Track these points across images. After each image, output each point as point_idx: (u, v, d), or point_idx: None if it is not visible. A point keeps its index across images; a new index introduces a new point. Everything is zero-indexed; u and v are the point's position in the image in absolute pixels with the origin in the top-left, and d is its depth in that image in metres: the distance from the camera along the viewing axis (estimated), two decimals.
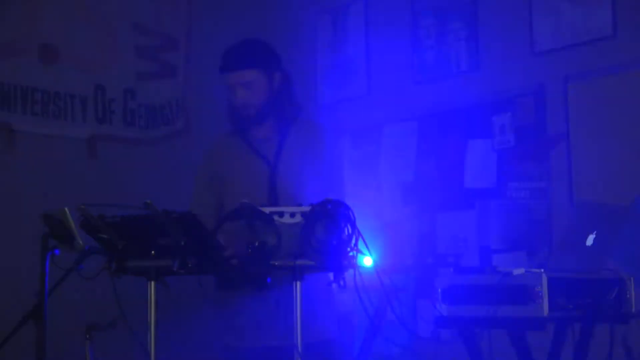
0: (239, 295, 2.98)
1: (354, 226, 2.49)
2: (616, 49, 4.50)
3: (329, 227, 2.45)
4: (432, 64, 5.37)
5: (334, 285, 2.56)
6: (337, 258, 2.48)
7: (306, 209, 2.47)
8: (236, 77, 3.10)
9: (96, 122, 5.34)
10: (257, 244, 2.46)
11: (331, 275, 2.58)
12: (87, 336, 3.78)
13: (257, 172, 3.10)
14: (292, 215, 2.47)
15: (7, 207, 4.81)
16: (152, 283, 2.62)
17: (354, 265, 2.54)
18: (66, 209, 3.56)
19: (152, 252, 2.57)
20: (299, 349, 2.49)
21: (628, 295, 3.27)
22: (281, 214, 2.47)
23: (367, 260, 2.61)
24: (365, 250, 2.57)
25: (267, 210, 2.49)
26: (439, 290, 3.25)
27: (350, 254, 2.52)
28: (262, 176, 3.09)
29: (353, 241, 2.48)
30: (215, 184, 3.20)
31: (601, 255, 3.27)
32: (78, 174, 5.09)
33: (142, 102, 5.57)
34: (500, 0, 5.06)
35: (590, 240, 3.15)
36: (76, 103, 5.24)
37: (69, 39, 5.22)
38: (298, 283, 2.51)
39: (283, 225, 2.46)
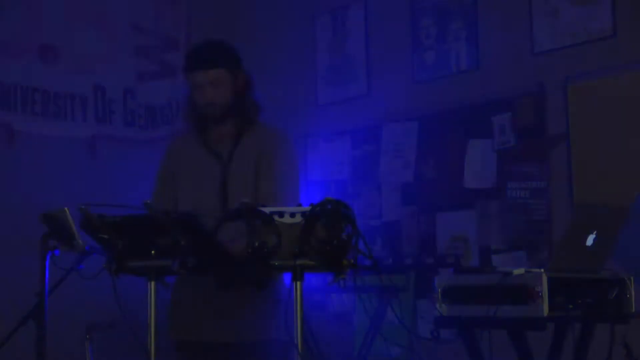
0: (238, 295, 2.99)
1: (354, 226, 2.48)
2: (616, 49, 4.51)
3: (329, 227, 2.44)
4: (432, 64, 5.37)
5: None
6: (337, 258, 2.48)
7: (306, 209, 2.47)
8: (204, 76, 3.14)
9: (96, 122, 5.34)
10: (257, 244, 2.46)
11: (331, 276, 2.59)
12: (87, 336, 3.79)
13: (209, 169, 3.16)
14: (292, 215, 2.46)
15: (7, 207, 4.81)
16: (152, 283, 2.61)
17: (354, 265, 2.54)
18: (66, 209, 3.56)
19: (152, 252, 2.57)
20: (299, 348, 2.49)
21: (628, 295, 3.27)
22: (281, 214, 2.47)
23: (367, 260, 2.60)
24: (365, 250, 2.57)
25: (267, 210, 2.49)
26: (439, 290, 3.25)
27: (350, 254, 2.52)
28: (214, 174, 3.14)
29: (353, 241, 2.48)
30: (170, 181, 3.26)
31: (601, 255, 3.27)
32: (78, 174, 5.09)
33: (142, 102, 5.57)
34: (500, 1, 5.07)
35: (590, 240, 3.14)
36: (76, 103, 5.25)
37: (69, 39, 5.22)
38: (298, 283, 2.51)
39: (283, 225, 2.45)
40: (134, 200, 2.62)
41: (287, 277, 2.70)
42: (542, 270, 3.01)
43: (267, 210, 2.47)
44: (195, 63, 3.17)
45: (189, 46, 5.74)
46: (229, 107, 3.17)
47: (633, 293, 3.28)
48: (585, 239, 3.14)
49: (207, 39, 3.27)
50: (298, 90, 5.91)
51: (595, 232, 3.14)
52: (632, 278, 3.29)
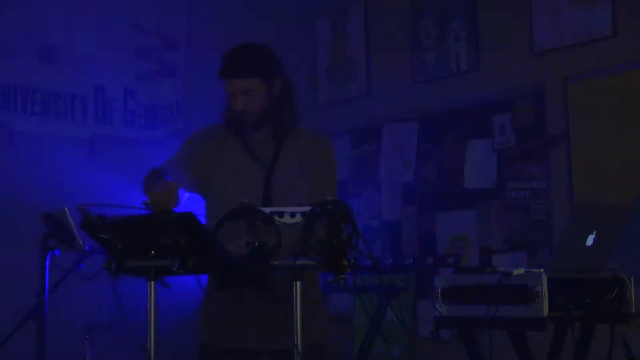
0: (238, 296, 2.97)
1: (354, 226, 2.48)
2: (616, 49, 4.51)
3: (329, 227, 2.44)
4: (432, 64, 5.37)
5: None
6: (337, 258, 2.47)
7: (306, 209, 2.47)
8: (236, 85, 3.04)
9: (96, 122, 5.34)
10: (257, 244, 2.46)
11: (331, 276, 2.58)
12: (87, 336, 3.78)
13: (250, 174, 3.07)
14: (292, 215, 2.46)
15: (7, 207, 4.81)
16: (152, 283, 2.61)
17: (354, 265, 2.54)
18: (66, 209, 3.57)
19: (152, 252, 2.56)
20: (299, 350, 2.49)
21: (628, 295, 3.27)
22: (281, 214, 2.47)
23: (367, 260, 2.61)
24: (365, 250, 2.57)
25: (267, 210, 2.48)
26: (439, 290, 3.25)
27: (350, 254, 2.52)
28: (256, 179, 3.06)
29: (353, 241, 2.47)
30: (195, 167, 3.15)
31: (601, 255, 3.27)
32: (78, 174, 5.09)
33: (142, 102, 5.57)
34: (500, 0, 5.07)
35: (590, 240, 3.14)
36: (76, 103, 5.25)
37: (69, 39, 5.23)
38: (298, 283, 2.51)
39: (283, 225, 2.45)
40: (134, 200, 2.62)
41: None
42: (542, 270, 3.01)
43: (267, 210, 2.47)
44: (228, 70, 3.05)
45: (188, 47, 5.75)
46: (264, 115, 3.07)
47: (633, 293, 3.28)
48: (585, 239, 3.14)
49: (243, 44, 3.11)
50: (298, 90, 5.91)
51: (595, 232, 3.14)
52: (632, 278, 3.29)
